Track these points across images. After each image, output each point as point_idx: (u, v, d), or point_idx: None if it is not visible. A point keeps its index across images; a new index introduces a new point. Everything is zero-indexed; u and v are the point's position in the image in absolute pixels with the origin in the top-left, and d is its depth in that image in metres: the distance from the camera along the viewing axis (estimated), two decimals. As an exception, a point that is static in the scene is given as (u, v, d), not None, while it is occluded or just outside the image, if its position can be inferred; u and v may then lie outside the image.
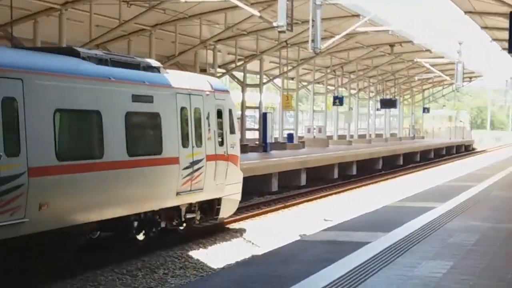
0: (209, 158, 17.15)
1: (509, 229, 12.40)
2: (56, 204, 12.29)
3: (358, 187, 31.86)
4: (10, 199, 11.35)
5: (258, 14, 24.57)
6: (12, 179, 11.38)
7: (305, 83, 48.95)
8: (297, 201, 25.88)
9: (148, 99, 15.08)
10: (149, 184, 14.98)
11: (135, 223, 15.11)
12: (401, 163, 47.68)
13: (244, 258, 16.12)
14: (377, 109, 60.82)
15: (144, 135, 15.34)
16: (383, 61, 49.52)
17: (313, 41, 25.10)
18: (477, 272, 8.85)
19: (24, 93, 11.67)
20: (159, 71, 16.12)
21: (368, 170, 39.65)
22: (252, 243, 18.45)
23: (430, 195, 18.48)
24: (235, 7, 24.80)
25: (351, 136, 53.14)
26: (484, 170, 29.14)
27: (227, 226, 19.65)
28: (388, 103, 56.45)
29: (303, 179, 31.41)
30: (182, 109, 16.34)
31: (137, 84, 14.81)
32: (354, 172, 38.46)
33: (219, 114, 17.96)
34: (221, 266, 15.70)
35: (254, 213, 22.29)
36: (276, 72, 41.53)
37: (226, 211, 18.53)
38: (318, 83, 50.41)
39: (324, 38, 29.33)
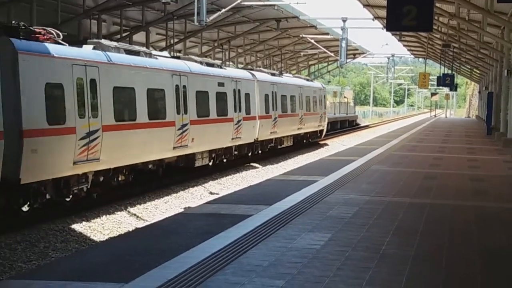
0: (323, 113, 44.39)
1: (385, 201, 12.79)
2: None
3: (247, 162, 31.98)
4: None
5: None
6: None
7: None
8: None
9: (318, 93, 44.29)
10: (311, 122, 41.60)
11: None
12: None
13: (127, 231, 16.03)
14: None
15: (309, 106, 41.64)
16: (269, 36, 49.85)
17: (198, 14, 25.00)
18: (353, 243, 9.08)
19: None
20: (315, 82, 45.78)
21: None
22: (137, 216, 18.36)
23: (313, 168, 18.78)
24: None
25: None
26: (365, 144, 29.90)
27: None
28: (275, 78, 56.88)
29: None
30: (316, 96, 42.95)
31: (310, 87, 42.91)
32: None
33: (324, 97, 45.64)
34: (103, 239, 15.57)
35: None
36: (163, 44, 41.16)
37: (323, 134, 45.55)
38: (206, 56, 50.32)
39: (210, 11, 29.26)
